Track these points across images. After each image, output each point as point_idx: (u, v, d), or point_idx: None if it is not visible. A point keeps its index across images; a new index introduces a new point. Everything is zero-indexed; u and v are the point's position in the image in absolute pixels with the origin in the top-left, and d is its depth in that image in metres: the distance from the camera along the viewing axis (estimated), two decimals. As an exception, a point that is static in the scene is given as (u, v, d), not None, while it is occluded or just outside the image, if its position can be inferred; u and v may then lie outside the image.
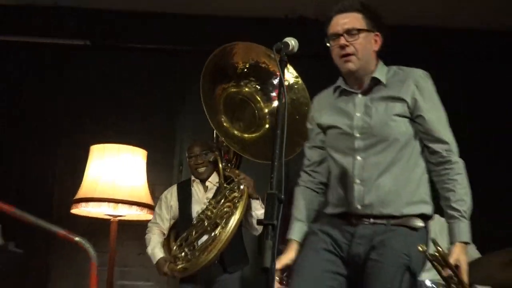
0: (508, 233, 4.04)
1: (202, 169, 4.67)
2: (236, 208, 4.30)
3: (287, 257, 2.98)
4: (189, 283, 4.36)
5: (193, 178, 4.86)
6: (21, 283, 4.52)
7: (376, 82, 2.86)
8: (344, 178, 2.80)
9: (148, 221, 5.43)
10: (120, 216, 5.84)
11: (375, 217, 2.75)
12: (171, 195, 4.91)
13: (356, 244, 2.73)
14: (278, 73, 4.03)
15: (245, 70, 4.50)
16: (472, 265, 3.96)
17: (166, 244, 4.79)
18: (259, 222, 2.20)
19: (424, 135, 2.83)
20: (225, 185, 4.47)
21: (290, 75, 4.35)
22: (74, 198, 5.89)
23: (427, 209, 2.81)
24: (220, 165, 4.59)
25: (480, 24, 6.73)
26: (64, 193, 6.22)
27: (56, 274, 6.52)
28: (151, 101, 5.10)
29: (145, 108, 5.70)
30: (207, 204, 4.49)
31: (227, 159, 4.59)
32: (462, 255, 2.70)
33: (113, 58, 6.64)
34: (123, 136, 6.01)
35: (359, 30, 2.80)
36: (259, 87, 4.60)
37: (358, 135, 2.77)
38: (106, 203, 5.75)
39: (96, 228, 5.80)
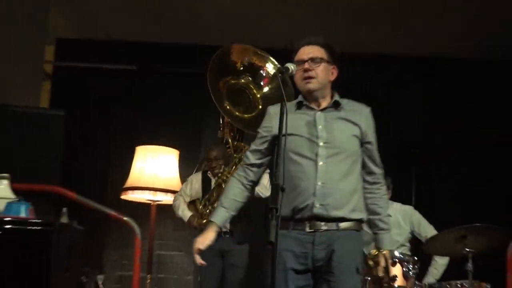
0: (456, 215, 3.98)
1: (215, 171, 4.64)
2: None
3: (207, 237, 2.89)
4: (208, 251, 4.27)
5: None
6: (83, 252, 4.49)
7: (335, 104, 2.77)
8: (306, 179, 2.62)
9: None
10: (158, 201, 5.90)
11: (328, 220, 2.60)
12: (196, 180, 4.90)
13: (318, 251, 2.58)
14: (265, 67, 4.46)
15: (241, 66, 4.63)
16: (431, 239, 3.91)
17: (193, 207, 4.75)
18: (267, 207, 2.18)
19: (367, 158, 2.76)
20: (234, 155, 4.44)
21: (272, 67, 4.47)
22: (124, 187, 5.89)
23: (364, 216, 2.72)
24: (230, 141, 4.61)
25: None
26: (116, 183, 6.21)
27: (109, 246, 6.54)
28: (183, 113, 5.07)
29: (178, 119, 5.68)
30: (223, 170, 4.43)
31: (232, 136, 4.59)
32: (389, 259, 2.71)
33: (154, 80, 6.62)
34: (161, 139, 6.04)
35: (321, 59, 2.73)
36: (251, 78, 4.68)
37: (321, 143, 2.64)
38: (148, 191, 5.81)
39: (140, 210, 5.76)
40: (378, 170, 2.78)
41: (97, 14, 6.28)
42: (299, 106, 2.79)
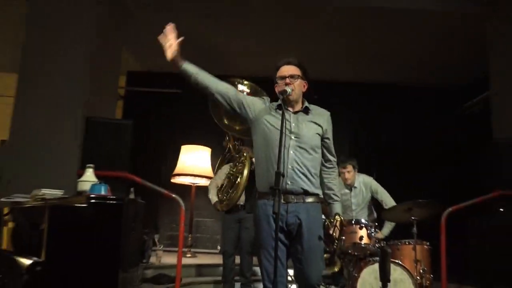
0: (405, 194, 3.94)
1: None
2: (244, 165, 4.17)
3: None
4: (229, 215, 4.26)
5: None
6: (144, 219, 4.50)
7: (306, 110, 2.63)
8: (275, 164, 2.33)
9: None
10: (196, 183, 5.87)
11: (296, 193, 2.46)
12: (226, 171, 4.78)
13: (291, 217, 2.44)
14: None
15: None
16: (388, 210, 3.86)
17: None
18: (271, 187, 2.13)
19: (325, 149, 2.65)
20: (236, 155, 4.36)
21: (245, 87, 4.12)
22: (173, 173, 5.89)
23: (320, 192, 2.58)
24: (231, 146, 4.47)
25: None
26: (168, 171, 6.21)
27: (162, 214, 6.55)
28: (212, 123, 5.03)
29: (209, 126, 5.65)
30: (230, 167, 4.35)
31: (233, 142, 4.45)
32: (339, 220, 2.57)
33: (193, 100, 6.59)
34: (198, 140, 6.03)
35: (298, 76, 2.63)
36: None
37: (292, 137, 2.51)
38: (189, 176, 5.80)
39: (184, 190, 5.76)
40: (333, 158, 2.69)
41: (154, 54, 6.26)
42: (277, 107, 2.62)
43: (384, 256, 2.61)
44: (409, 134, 6.53)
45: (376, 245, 3.49)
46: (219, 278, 4.32)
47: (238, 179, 4.22)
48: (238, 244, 4.23)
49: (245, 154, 4.30)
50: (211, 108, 4.08)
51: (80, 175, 3.68)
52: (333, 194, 2.66)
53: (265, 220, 2.48)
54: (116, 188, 3.27)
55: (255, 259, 4.36)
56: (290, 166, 2.48)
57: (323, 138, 2.64)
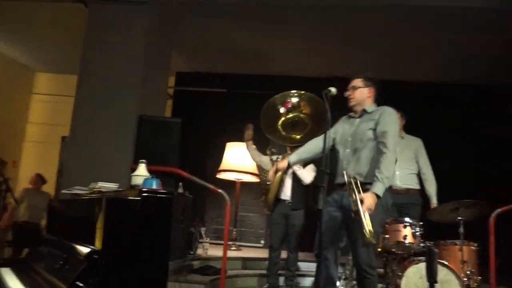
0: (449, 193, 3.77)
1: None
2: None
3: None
4: (277, 214, 4.25)
5: None
6: (192, 212, 4.59)
7: (364, 112, 2.83)
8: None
9: (255, 182, 5.41)
10: (241, 179, 5.87)
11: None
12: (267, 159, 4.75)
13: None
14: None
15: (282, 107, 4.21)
16: (434, 210, 3.70)
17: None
18: (316, 185, 2.12)
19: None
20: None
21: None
22: (218, 169, 5.94)
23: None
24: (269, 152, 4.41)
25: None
26: (214, 167, 6.26)
27: (209, 208, 6.63)
28: (257, 120, 5.03)
29: (254, 125, 5.68)
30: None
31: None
32: (369, 198, 2.47)
33: (237, 98, 6.65)
34: (241, 138, 5.99)
35: (355, 87, 2.86)
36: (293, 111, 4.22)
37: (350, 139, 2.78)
38: (234, 172, 5.81)
39: (229, 185, 5.80)
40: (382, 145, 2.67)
41: (202, 56, 6.38)
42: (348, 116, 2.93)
43: (431, 256, 2.51)
44: (457, 131, 6.23)
45: (421, 244, 3.35)
46: (263, 271, 4.33)
47: (270, 184, 4.26)
48: (284, 239, 4.22)
49: (279, 157, 4.33)
50: (263, 127, 4.07)
51: (133, 169, 3.80)
52: (375, 175, 2.64)
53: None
54: (166, 182, 3.33)
55: (300, 255, 4.35)
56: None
57: (375, 129, 2.74)
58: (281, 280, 4.29)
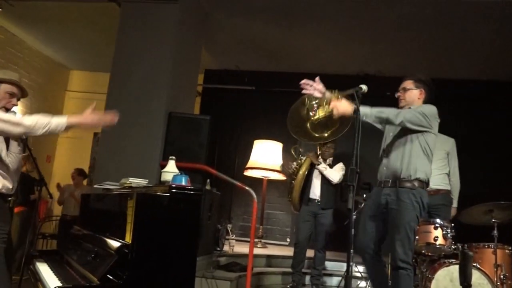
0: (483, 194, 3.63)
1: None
2: (301, 168, 4.28)
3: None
4: (306, 212, 4.23)
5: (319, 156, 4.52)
6: (219, 209, 4.62)
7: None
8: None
9: (281, 180, 5.38)
10: (268, 177, 5.85)
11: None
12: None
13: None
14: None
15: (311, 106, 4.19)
16: (467, 212, 3.57)
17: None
18: (346, 184, 2.09)
19: None
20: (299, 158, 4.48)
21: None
22: (246, 167, 5.95)
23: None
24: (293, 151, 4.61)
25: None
26: (241, 164, 6.29)
27: (235, 205, 6.64)
28: (284, 119, 5.02)
29: (281, 122, 5.65)
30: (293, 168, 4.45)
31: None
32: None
33: (266, 96, 6.64)
34: (271, 136, 6.01)
35: (405, 88, 2.86)
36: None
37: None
38: (262, 170, 5.79)
39: (256, 183, 5.80)
40: None
41: (230, 54, 6.40)
42: None
43: (465, 259, 2.43)
44: (495, 131, 6.00)
45: (453, 246, 3.25)
46: (288, 269, 4.31)
47: (294, 181, 4.31)
48: (310, 237, 4.19)
49: (304, 157, 4.34)
50: (291, 128, 4.05)
51: (162, 166, 3.85)
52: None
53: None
54: (194, 179, 3.36)
55: (328, 253, 4.31)
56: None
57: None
58: (307, 278, 4.26)
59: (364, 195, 3.89)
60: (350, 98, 2.72)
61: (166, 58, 4.38)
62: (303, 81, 2.74)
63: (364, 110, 2.54)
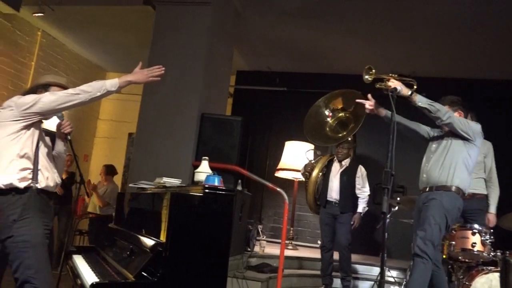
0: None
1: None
2: (314, 170, 4.36)
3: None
4: (326, 215, 4.19)
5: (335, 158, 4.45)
6: (250, 209, 4.65)
7: None
8: None
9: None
10: (299, 178, 5.81)
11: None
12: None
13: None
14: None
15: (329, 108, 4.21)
16: (506, 218, 3.42)
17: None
18: (380, 186, 2.06)
19: None
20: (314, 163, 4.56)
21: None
22: (277, 168, 5.94)
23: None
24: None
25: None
26: (272, 165, 6.28)
27: (266, 206, 6.63)
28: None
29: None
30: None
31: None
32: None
33: (297, 97, 6.60)
34: (302, 137, 5.93)
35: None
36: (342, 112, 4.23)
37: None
38: (293, 171, 5.75)
39: (287, 184, 5.78)
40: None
41: (262, 55, 6.41)
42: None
43: (507, 267, 2.33)
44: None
45: (492, 253, 3.13)
46: (319, 271, 4.27)
47: (308, 183, 4.38)
48: (335, 239, 4.15)
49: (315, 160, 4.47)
50: (310, 133, 4.06)
51: (194, 166, 3.89)
52: None
53: None
54: (225, 179, 3.38)
55: (361, 257, 4.26)
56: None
57: None
58: (338, 281, 4.21)
59: (398, 198, 3.80)
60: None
61: (199, 60, 4.43)
62: (358, 101, 3.03)
63: (420, 97, 2.73)
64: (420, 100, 2.73)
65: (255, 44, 6.05)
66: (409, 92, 2.69)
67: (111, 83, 2.25)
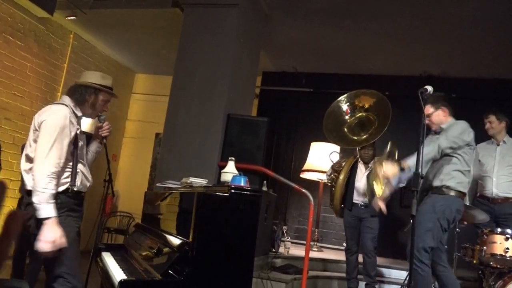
0: None
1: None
2: (341, 174, 4.24)
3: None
4: (352, 217, 4.13)
5: (359, 160, 4.39)
6: (275, 210, 4.63)
7: (441, 128, 3.02)
8: None
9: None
10: (324, 180, 5.74)
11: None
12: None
13: None
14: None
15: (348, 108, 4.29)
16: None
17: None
18: (410, 189, 2.03)
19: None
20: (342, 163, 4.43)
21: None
22: (302, 169, 5.90)
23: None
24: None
25: None
26: (297, 166, 6.25)
27: (291, 207, 6.60)
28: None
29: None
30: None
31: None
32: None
33: (324, 97, 6.54)
34: (326, 138, 5.88)
35: (429, 114, 3.01)
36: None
37: None
38: (318, 172, 5.70)
39: (312, 185, 5.74)
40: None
41: (288, 55, 6.39)
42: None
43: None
44: None
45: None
46: (344, 274, 4.22)
47: (334, 188, 4.30)
48: (359, 242, 4.09)
49: (343, 163, 4.33)
50: (330, 134, 4.03)
51: (220, 166, 3.91)
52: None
53: None
54: (251, 180, 3.38)
55: (389, 261, 4.17)
56: None
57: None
58: (363, 284, 4.15)
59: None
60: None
61: (226, 61, 4.46)
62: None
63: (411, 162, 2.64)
64: (410, 165, 2.65)
65: (282, 45, 6.04)
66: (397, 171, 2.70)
67: (47, 211, 1.98)
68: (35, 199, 1.96)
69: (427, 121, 2.96)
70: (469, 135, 2.89)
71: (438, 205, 2.81)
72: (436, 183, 2.87)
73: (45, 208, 1.95)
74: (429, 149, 2.74)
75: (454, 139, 2.82)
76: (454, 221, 2.89)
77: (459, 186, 2.86)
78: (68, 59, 6.32)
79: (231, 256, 1.96)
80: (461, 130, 2.87)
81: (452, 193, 2.84)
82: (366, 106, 4.21)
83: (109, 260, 2.51)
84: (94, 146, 2.51)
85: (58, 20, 5.96)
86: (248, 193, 2.01)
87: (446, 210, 2.80)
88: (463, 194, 2.90)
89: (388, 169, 2.62)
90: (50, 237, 1.93)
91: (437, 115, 3.02)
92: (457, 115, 3.02)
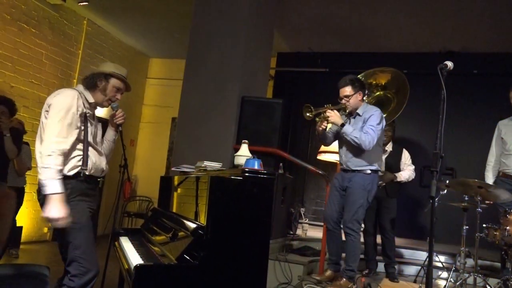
0: None
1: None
2: None
3: None
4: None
5: None
6: (292, 193, 4.61)
7: (358, 114, 3.23)
8: None
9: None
10: (342, 161, 5.67)
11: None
12: None
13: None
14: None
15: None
16: None
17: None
18: (430, 170, 1.95)
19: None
20: None
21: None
22: (319, 151, 5.83)
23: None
24: None
25: None
26: (314, 148, 6.18)
27: (308, 189, 6.57)
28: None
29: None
30: None
31: None
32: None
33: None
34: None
35: (348, 96, 3.20)
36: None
37: None
38: (334, 154, 5.60)
39: (329, 167, 5.67)
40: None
41: (303, 35, 6.26)
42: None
43: None
44: None
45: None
46: (362, 255, 4.18)
47: None
48: (377, 223, 4.03)
49: None
50: None
51: (235, 149, 3.88)
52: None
53: None
54: (267, 163, 3.35)
55: (407, 241, 4.11)
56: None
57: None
58: (382, 265, 4.11)
59: (447, 181, 3.61)
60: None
61: (239, 43, 4.38)
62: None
63: (347, 127, 3.09)
64: (345, 131, 3.07)
65: (296, 24, 5.91)
66: (340, 123, 3.09)
67: (53, 187, 1.98)
68: (40, 176, 1.98)
69: (343, 102, 3.20)
70: (382, 116, 3.20)
71: (361, 186, 3.17)
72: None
73: (50, 184, 1.96)
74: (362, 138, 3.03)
75: (372, 133, 3.04)
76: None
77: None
78: (83, 46, 6.34)
79: (245, 239, 1.94)
80: (377, 118, 3.10)
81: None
82: (383, 83, 4.09)
83: (127, 244, 2.52)
84: (110, 135, 2.52)
85: (71, 7, 5.95)
86: (261, 176, 1.97)
87: (367, 190, 3.20)
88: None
89: (334, 114, 3.10)
90: (54, 214, 1.93)
91: (355, 98, 3.20)
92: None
